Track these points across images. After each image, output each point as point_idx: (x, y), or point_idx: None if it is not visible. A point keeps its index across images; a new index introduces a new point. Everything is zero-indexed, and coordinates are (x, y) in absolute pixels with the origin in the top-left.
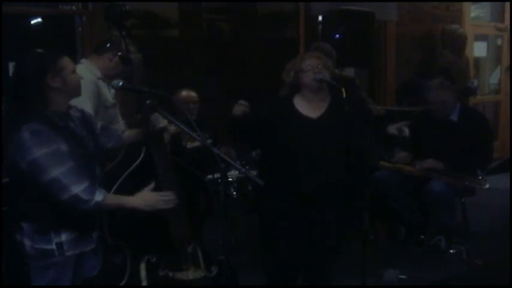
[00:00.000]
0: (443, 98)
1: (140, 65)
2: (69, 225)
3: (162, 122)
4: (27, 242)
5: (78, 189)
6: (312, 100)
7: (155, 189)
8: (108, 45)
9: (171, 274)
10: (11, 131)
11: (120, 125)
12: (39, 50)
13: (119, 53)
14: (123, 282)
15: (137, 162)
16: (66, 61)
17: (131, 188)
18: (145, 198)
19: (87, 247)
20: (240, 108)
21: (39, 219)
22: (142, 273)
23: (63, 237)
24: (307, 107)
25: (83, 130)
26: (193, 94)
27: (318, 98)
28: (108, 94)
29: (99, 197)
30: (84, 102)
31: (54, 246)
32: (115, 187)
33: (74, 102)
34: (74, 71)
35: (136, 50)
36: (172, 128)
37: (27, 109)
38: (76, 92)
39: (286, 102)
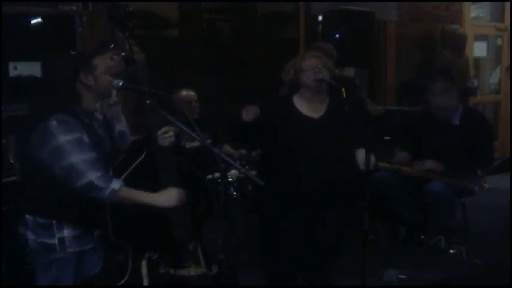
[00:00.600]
0: (448, 103)
1: (144, 65)
2: (72, 221)
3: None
4: (30, 236)
5: (93, 175)
6: (311, 100)
7: (156, 188)
8: (109, 44)
9: (172, 271)
10: (37, 122)
11: (123, 123)
12: (73, 52)
13: (123, 54)
14: (124, 280)
15: (138, 160)
16: (98, 61)
17: (133, 187)
18: (167, 195)
19: (88, 245)
20: (251, 114)
21: (44, 211)
22: (144, 270)
23: (66, 232)
24: (308, 107)
25: (104, 132)
26: (192, 93)
27: (318, 98)
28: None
29: (115, 185)
30: None
31: (56, 241)
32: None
33: None
34: (105, 72)
35: (139, 50)
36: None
37: (57, 104)
38: (106, 91)
39: (286, 102)
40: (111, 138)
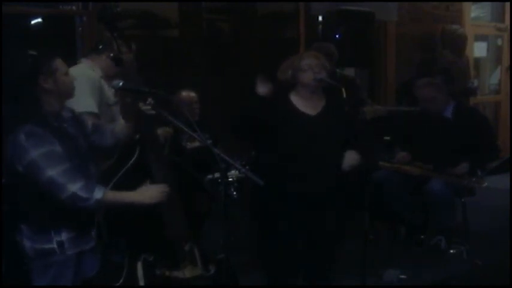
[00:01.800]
0: (432, 94)
1: (132, 64)
2: (69, 223)
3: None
4: (27, 243)
5: (75, 187)
6: (308, 99)
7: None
8: (106, 45)
9: (167, 273)
10: (6, 132)
11: (118, 123)
12: (31, 52)
13: (111, 54)
14: (120, 282)
15: (131, 161)
16: (59, 63)
17: (126, 188)
18: (145, 192)
19: (87, 245)
20: (265, 87)
21: (38, 220)
22: (139, 272)
23: (64, 236)
24: (305, 105)
25: (75, 130)
26: (193, 94)
27: (315, 97)
28: (110, 92)
29: (98, 194)
30: (88, 100)
31: (55, 245)
32: (109, 187)
33: (77, 101)
34: (66, 73)
35: (128, 50)
36: (167, 130)
37: (22, 110)
38: (69, 93)
39: (283, 99)
40: (85, 135)
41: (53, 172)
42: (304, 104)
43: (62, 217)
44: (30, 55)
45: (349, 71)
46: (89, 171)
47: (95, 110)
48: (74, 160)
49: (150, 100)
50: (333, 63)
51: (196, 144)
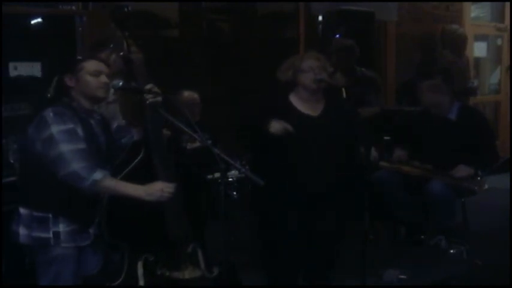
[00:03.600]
0: (437, 100)
1: (142, 65)
2: (68, 214)
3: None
4: (23, 231)
5: (78, 165)
6: (308, 100)
7: None
8: (104, 43)
9: (167, 273)
10: (33, 116)
11: (120, 121)
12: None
13: (121, 53)
14: (119, 281)
15: (136, 161)
16: (87, 64)
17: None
18: (146, 188)
19: (84, 242)
20: (279, 127)
21: (38, 203)
22: (140, 271)
23: (61, 227)
24: (305, 106)
25: (100, 131)
26: (195, 96)
27: (315, 98)
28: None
29: (97, 175)
30: None
31: (51, 235)
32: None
33: None
34: (92, 74)
35: (138, 50)
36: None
37: (54, 99)
38: (92, 93)
39: (283, 101)
40: (108, 138)
41: (66, 148)
42: (304, 105)
43: (63, 205)
44: (63, 56)
45: None
46: (101, 164)
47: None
48: (89, 147)
49: (151, 86)
50: (352, 59)
51: (197, 144)
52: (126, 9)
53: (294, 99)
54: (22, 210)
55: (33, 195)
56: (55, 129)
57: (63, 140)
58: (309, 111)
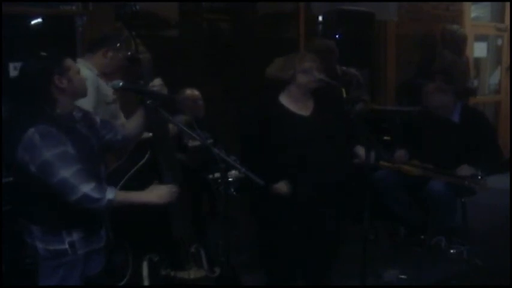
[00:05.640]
0: (442, 102)
1: (149, 65)
2: (79, 224)
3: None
4: (39, 245)
5: (87, 188)
6: (300, 100)
7: None
8: (101, 41)
9: (172, 273)
10: (17, 130)
11: (122, 120)
12: (43, 53)
13: (129, 53)
14: (124, 281)
15: (143, 161)
16: (70, 62)
17: (136, 187)
18: (155, 192)
19: (98, 245)
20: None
21: (49, 220)
22: (144, 271)
23: (75, 236)
24: (297, 106)
25: (87, 130)
26: (196, 92)
27: (305, 98)
28: (108, 90)
29: (110, 194)
30: (83, 99)
31: (67, 246)
32: (119, 185)
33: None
34: (78, 72)
35: (145, 50)
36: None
37: (35, 110)
38: (81, 92)
39: (273, 104)
40: (95, 132)
41: (66, 173)
42: (296, 105)
43: (73, 218)
44: (43, 55)
45: None
46: (100, 172)
47: (90, 109)
48: (85, 161)
49: (159, 81)
50: (334, 59)
51: (198, 142)
52: (134, 8)
53: (285, 100)
54: (33, 227)
55: (41, 215)
56: (48, 154)
57: (60, 166)
58: (301, 111)
